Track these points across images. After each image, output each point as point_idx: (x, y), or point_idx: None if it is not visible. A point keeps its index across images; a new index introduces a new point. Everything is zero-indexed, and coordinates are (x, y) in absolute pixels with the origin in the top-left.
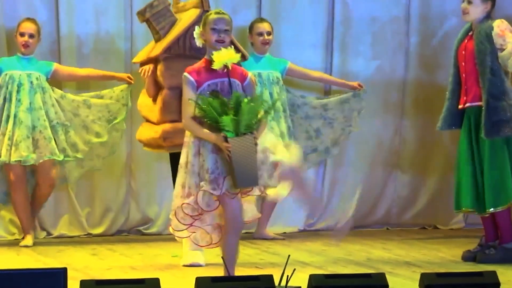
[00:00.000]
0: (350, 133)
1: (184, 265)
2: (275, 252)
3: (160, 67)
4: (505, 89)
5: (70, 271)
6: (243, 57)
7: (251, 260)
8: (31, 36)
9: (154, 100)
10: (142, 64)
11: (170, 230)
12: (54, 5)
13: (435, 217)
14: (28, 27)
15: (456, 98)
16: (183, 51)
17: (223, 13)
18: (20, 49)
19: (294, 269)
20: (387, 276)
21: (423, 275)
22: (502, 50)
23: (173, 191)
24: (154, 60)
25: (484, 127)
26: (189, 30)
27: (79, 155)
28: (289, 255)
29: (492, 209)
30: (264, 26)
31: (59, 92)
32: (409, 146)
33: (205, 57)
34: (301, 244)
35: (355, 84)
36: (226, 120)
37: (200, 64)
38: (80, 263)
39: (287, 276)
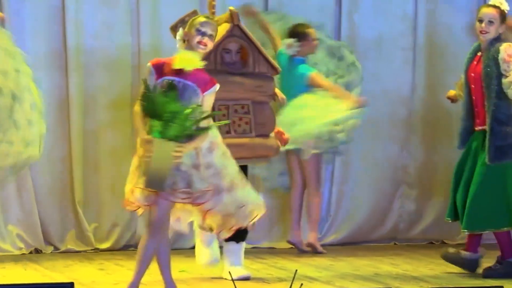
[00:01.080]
0: None
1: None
2: (282, 267)
3: None
4: (511, 114)
5: (77, 286)
6: (275, 70)
7: (258, 275)
8: None
9: None
10: None
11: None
12: (61, 19)
13: (443, 232)
14: None
15: (472, 119)
16: (214, 66)
17: (211, 19)
18: None
19: (302, 284)
20: None
21: None
22: (506, 76)
23: None
24: None
25: (488, 152)
26: (219, 45)
27: None
28: (296, 270)
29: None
30: None
31: None
32: (416, 162)
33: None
34: (309, 259)
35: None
36: (156, 124)
37: (169, 58)
38: (87, 278)
39: None
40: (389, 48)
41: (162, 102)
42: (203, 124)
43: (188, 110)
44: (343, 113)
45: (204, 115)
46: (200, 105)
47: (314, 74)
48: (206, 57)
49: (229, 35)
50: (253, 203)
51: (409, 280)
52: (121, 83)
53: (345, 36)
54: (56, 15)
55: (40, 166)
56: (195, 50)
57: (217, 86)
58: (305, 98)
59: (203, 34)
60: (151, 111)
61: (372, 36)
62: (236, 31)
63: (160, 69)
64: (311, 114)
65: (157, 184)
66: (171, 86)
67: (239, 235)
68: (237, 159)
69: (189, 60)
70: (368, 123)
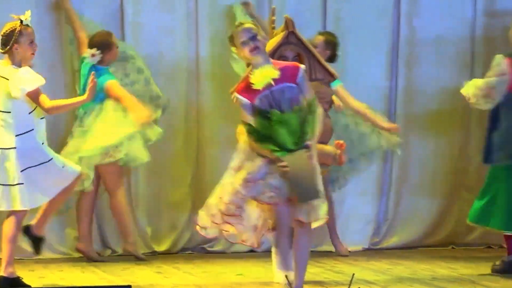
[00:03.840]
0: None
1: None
2: (339, 271)
3: None
4: None
5: None
6: (332, 76)
7: (316, 278)
8: None
9: None
10: None
11: (197, 227)
12: (120, 25)
13: (501, 236)
14: None
15: None
16: None
17: (242, 24)
18: None
19: None
20: None
21: None
22: None
23: None
24: None
25: None
26: (276, 52)
27: None
28: (353, 274)
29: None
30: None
31: None
32: (475, 165)
33: (250, 70)
34: (366, 263)
35: (392, 126)
36: (272, 147)
37: (246, 79)
38: (144, 281)
39: None
40: (447, 51)
41: (273, 128)
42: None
43: (294, 116)
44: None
45: (305, 108)
46: (299, 105)
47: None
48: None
49: (284, 42)
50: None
51: (466, 284)
52: (178, 89)
53: (403, 40)
54: (114, 21)
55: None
56: (253, 59)
57: (303, 67)
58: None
59: (246, 43)
60: (268, 140)
61: (430, 38)
62: (292, 38)
63: (248, 92)
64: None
65: (312, 193)
66: (263, 112)
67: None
68: None
69: (265, 76)
70: (426, 125)
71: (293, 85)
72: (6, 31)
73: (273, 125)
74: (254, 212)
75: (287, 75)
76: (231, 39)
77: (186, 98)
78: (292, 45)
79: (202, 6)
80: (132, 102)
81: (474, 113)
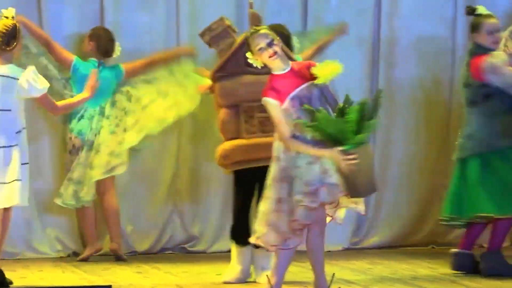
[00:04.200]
0: None
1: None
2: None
3: (216, 86)
4: None
5: None
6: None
7: (296, 278)
8: None
9: None
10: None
11: (262, 244)
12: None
13: (482, 236)
14: None
15: None
16: (239, 68)
17: (257, 30)
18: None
19: (339, 287)
20: None
21: None
22: None
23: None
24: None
25: None
26: (243, 46)
27: None
28: (334, 274)
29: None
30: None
31: None
32: (453, 165)
33: (272, 73)
34: (346, 263)
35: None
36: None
37: (271, 82)
38: (125, 281)
39: None
40: (428, 51)
41: (336, 123)
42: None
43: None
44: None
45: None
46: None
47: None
48: (226, 62)
49: (246, 37)
50: None
51: (447, 284)
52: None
53: (384, 39)
54: (94, 18)
55: None
56: (272, 63)
57: (315, 64)
58: None
59: (264, 49)
60: (331, 139)
61: (411, 38)
62: None
63: (278, 94)
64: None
65: (371, 187)
66: (312, 111)
67: None
68: (264, 158)
69: (331, 72)
70: (407, 125)
71: (311, 82)
72: (7, 29)
73: (345, 119)
74: None
75: (302, 72)
76: (247, 45)
77: None
78: None
79: (183, 6)
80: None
81: (454, 114)
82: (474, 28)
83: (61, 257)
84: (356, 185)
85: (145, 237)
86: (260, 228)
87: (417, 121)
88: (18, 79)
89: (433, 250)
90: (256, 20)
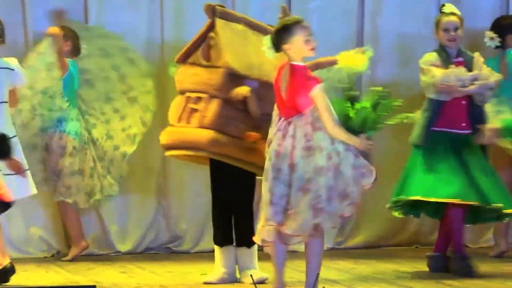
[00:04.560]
0: None
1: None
2: (304, 270)
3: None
4: None
5: None
6: None
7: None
8: None
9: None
10: None
11: (259, 241)
12: (84, 23)
13: (465, 236)
14: None
15: None
16: (192, 59)
17: (302, 21)
18: None
19: (323, 287)
20: None
21: None
22: None
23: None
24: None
25: None
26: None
27: None
28: (318, 273)
29: None
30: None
31: None
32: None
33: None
34: (331, 262)
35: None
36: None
37: (308, 72)
38: (109, 281)
39: None
40: (411, 50)
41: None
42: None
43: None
44: None
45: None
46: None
47: None
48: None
49: (208, 29)
50: None
51: (430, 284)
52: None
53: (367, 38)
54: (78, 18)
55: None
56: (309, 55)
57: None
58: None
59: (310, 40)
60: (360, 126)
61: (394, 38)
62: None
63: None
64: None
65: None
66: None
67: (251, 240)
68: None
69: (355, 63)
70: (390, 125)
71: None
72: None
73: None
74: None
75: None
76: (286, 29)
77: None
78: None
79: (167, 4)
80: None
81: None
82: (435, 25)
83: (45, 257)
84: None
85: (130, 237)
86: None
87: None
88: (13, 69)
89: (417, 250)
90: (286, 14)
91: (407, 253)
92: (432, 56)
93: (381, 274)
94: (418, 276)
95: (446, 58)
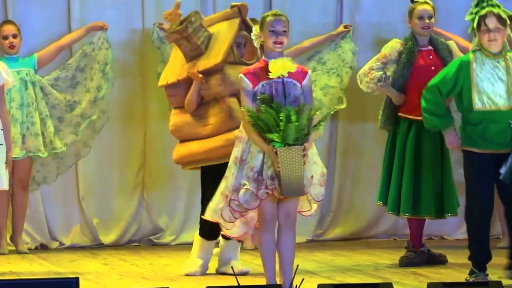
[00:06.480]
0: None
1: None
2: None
3: (219, 76)
4: None
5: (82, 281)
6: None
7: (261, 270)
8: (14, 36)
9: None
10: (181, 81)
11: (225, 231)
12: (67, 21)
13: (442, 228)
14: (10, 29)
15: None
16: (233, 59)
17: (280, 15)
18: (6, 51)
19: (303, 279)
20: (395, 286)
21: (429, 285)
22: None
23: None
24: (208, 72)
25: None
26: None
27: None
28: (297, 265)
29: None
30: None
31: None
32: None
33: (263, 58)
34: (310, 254)
35: (340, 28)
36: (273, 136)
37: (257, 65)
38: (92, 273)
39: (296, 286)
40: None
41: (270, 115)
42: (315, 118)
43: (296, 110)
44: None
45: (312, 109)
46: (305, 103)
47: None
48: (229, 51)
49: (240, 29)
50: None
51: (408, 275)
52: (124, 83)
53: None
54: (61, 16)
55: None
56: (274, 50)
57: (310, 72)
58: None
59: (277, 33)
60: (264, 127)
61: (372, 34)
62: (243, 26)
63: (254, 76)
64: None
65: (297, 190)
66: (266, 98)
67: None
68: None
69: (283, 67)
70: (367, 120)
71: (298, 84)
72: None
73: (279, 116)
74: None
75: (295, 74)
76: (261, 21)
77: (134, 91)
78: (244, 32)
79: (148, 1)
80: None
81: None
82: (408, 14)
83: (29, 249)
84: (280, 183)
85: (112, 229)
86: (213, 206)
87: (377, 115)
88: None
89: (394, 242)
90: (244, 13)
91: (385, 244)
92: (392, 44)
93: (360, 266)
94: (396, 267)
95: (412, 45)
